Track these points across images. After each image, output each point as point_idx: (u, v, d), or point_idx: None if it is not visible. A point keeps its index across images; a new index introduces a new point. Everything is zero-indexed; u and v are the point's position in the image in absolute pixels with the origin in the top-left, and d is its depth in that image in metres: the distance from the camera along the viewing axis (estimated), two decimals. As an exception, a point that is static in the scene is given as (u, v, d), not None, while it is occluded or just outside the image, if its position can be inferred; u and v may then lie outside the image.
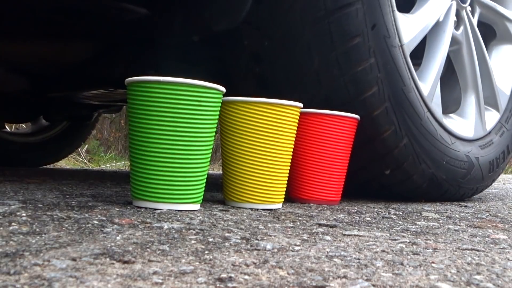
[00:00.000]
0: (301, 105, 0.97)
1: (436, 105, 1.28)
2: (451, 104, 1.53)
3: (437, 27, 1.32)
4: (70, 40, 1.27)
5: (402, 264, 0.55)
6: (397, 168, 1.20)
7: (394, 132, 1.15)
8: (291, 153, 0.97)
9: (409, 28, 1.21)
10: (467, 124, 1.44)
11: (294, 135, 0.97)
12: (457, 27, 1.41)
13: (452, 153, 1.30)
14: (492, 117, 1.54)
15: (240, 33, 1.12)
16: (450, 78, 1.49)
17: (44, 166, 2.41)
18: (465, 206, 1.27)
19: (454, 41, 1.39)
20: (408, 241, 0.70)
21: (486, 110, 1.52)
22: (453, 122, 1.40)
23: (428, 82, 1.27)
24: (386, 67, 1.12)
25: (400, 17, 1.18)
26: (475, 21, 1.47)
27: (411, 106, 1.18)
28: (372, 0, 1.09)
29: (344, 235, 0.72)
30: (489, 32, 1.64)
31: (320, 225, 0.79)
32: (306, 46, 1.08)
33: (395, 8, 1.15)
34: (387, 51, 1.12)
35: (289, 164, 0.98)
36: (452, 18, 1.36)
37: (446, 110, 1.52)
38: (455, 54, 1.44)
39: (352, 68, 1.08)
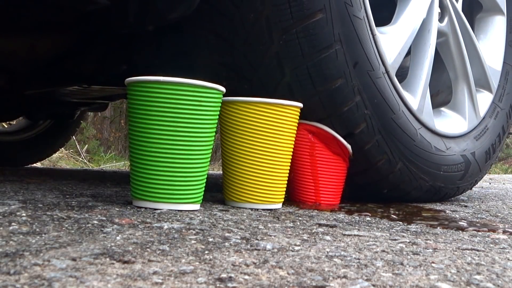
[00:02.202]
0: (300, 105, 0.96)
1: (427, 115, 1.24)
2: (441, 87, 1.49)
3: (421, 28, 1.25)
4: (39, 35, 1.27)
5: (402, 264, 0.55)
6: (394, 189, 1.19)
7: (388, 161, 1.13)
8: (291, 153, 0.97)
9: (392, 45, 1.15)
10: (460, 118, 1.41)
11: (294, 135, 0.97)
12: (441, 18, 1.34)
13: (448, 159, 1.28)
14: (485, 99, 1.48)
15: (216, 71, 1.10)
16: (437, 61, 1.39)
17: (39, 166, 2.41)
18: (465, 206, 1.27)
19: (440, 33, 1.33)
20: (408, 241, 0.70)
21: (478, 93, 1.46)
22: (445, 120, 1.37)
23: (417, 94, 1.22)
24: (373, 101, 1.08)
25: (382, 38, 1.11)
26: (459, 5, 1.39)
27: (403, 131, 1.14)
28: (352, 38, 1.04)
29: (344, 235, 0.72)
30: (475, 4, 1.57)
31: (320, 225, 0.79)
32: (287, 89, 1.04)
33: (375, 32, 1.09)
34: (372, 86, 1.07)
35: (289, 164, 0.97)
36: (436, 11, 1.29)
37: (437, 97, 1.47)
38: (442, 47, 1.38)
39: (337, 109, 1.04)
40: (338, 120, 1.06)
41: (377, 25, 1.12)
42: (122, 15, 1.03)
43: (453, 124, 1.38)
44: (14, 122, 2.51)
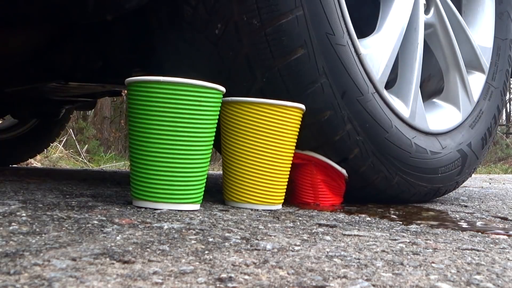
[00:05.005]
0: (303, 106, 0.96)
1: (421, 118, 1.21)
2: (432, 71, 1.44)
3: (408, 28, 1.19)
4: (10, 31, 1.25)
5: (402, 264, 0.55)
6: (393, 198, 1.19)
7: (384, 178, 1.12)
8: (292, 154, 0.97)
9: (379, 59, 1.11)
10: (454, 109, 1.36)
11: (296, 136, 0.97)
12: (427, 10, 1.28)
13: (445, 159, 1.26)
14: (478, 81, 1.43)
15: None
16: (426, 44, 1.31)
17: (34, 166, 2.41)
18: (465, 206, 1.27)
19: (427, 26, 1.27)
20: (408, 241, 0.70)
21: (470, 75, 1.40)
22: (439, 113, 1.34)
23: (409, 100, 1.18)
24: (365, 126, 1.05)
25: (367, 55, 1.07)
26: None
27: (398, 147, 1.12)
28: (337, 68, 1.01)
29: (344, 235, 0.72)
30: None
31: (320, 225, 0.79)
32: None
33: (360, 50, 1.05)
34: (363, 111, 1.05)
35: (290, 165, 0.97)
36: (422, 5, 1.23)
37: (429, 84, 1.44)
38: (431, 38, 1.33)
39: (328, 140, 1.03)
40: (331, 149, 1.05)
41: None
42: (82, 6, 1.02)
43: (447, 117, 1.34)
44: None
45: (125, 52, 1.31)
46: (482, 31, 1.48)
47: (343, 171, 1.06)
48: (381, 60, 1.11)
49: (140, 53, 1.29)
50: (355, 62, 1.04)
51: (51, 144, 3.77)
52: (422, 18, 1.24)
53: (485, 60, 1.45)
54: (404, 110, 1.17)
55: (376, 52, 1.11)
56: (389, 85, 1.17)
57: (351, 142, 1.05)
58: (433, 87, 1.47)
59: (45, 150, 2.67)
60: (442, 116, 1.34)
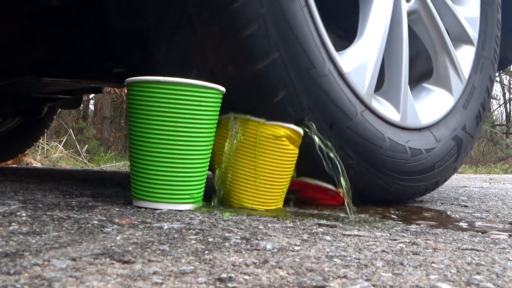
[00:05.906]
0: (300, 132, 0.95)
1: (412, 116, 1.19)
2: (419, 47, 1.38)
3: (391, 26, 1.14)
4: None
5: (402, 264, 0.55)
6: (394, 201, 1.20)
7: (382, 188, 1.12)
8: (292, 169, 0.97)
9: (364, 71, 1.06)
10: (445, 92, 1.32)
11: (297, 148, 0.97)
12: None
13: (441, 153, 1.24)
14: (467, 55, 1.37)
15: None
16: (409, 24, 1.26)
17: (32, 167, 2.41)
18: (465, 206, 1.27)
19: (410, 13, 1.22)
20: (408, 241, 0.70)
21: (459, 49, 1.36)
22: (430, 100, 1.30)
23: (399, 102, 1.15)
24: (357, 149, 1.04)
25: (352, 73, 1.03)
26: None
27: (393, 159, 1.11)
28: (322, 102, 0.97)
29: (344, 235, 0.72)
30: None
31: (320, 225, 0.79)
32: None
33: (343, 70, 1.01)
34: (354, 136, 1.03)
35: (292, 171, 0.97)
36: None
37: (417, 62, 1.40)
38: (415, 23, 1.28)
39: (321, 167, 1.00)
40: (325, 175, 1.02)
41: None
42: None
43: (439, 103, 1.30)
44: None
45: (94, 46, 1.29)
46: (467, 1, 1.41)
47: (340, 190, 1.06)
48: (367, 72, 1.07)
49: (110, 47, 1.27)
50: (339, 88, 1.01)
51: (50, 145, 3.77)
52: (405, 8, 1.18)
53: (473, 31, 1.39)
54: (394, 114, 1.15)
55: (360, 64, 1.06)
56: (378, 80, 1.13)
57: (344, 166, 1.01)
58: (422, 67, 1.42)
59: (27, 149, 2.65)
60: (434, 103, 1.30)
